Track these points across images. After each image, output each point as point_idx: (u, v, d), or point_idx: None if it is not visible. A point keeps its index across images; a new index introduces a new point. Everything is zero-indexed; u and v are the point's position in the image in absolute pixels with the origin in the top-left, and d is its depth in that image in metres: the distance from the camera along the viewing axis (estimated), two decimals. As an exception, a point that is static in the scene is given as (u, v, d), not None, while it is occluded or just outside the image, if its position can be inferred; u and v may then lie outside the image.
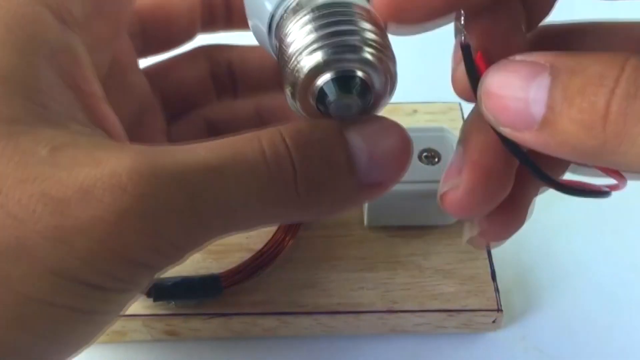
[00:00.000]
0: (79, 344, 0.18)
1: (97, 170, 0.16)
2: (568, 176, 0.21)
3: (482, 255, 0.31)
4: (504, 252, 0.32)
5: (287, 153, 0.18)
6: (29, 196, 0.15)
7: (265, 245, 0.30)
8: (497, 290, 0.29)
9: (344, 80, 0.18)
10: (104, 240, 0.16)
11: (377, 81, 0.19)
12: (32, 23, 0.17)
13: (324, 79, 0.18)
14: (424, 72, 0.36)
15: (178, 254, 0.17)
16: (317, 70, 0.18)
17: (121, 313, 0.18)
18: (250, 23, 0.22)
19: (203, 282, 0.29)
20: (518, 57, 0.16)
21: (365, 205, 0.31)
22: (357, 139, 0.19)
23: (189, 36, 0.28)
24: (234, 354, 0.30)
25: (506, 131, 0.16)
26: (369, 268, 0.30)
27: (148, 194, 0.16)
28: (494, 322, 0.29)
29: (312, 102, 0.19)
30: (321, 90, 0.19)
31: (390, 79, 0.19)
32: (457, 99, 0.21)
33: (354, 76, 0.18)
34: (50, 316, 0.16)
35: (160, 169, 0.16)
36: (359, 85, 0.19)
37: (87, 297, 0.16)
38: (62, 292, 0.16)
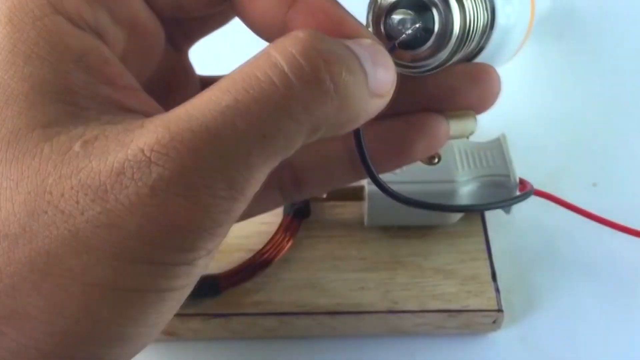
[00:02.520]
0: (156, 325, 0.18)
1: (123, 152, 0.17)
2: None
3: (483, 255, 0.31)
4: (504, 252, 0.32)
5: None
6: (69, 189, 0.16)
7: (264, 246, 0.30)
8: (497, 290, 0.29)
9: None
10: (148, 214, 0.16)
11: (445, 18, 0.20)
12: (54, 33, 0.18)
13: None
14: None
15: (231, 200, 0.17)
16: None
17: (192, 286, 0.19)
18: None
19: (201, 283, 0.28)
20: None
21: (365, 206, 0.31)
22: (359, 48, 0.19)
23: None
24: (234, 354, 0.30)
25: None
26: (369, 268, 0.30)
27: (172, 158, 0.16)
28: (494, 322, 0.29)
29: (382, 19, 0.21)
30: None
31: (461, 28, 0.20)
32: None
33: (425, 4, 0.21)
34: (121, 301, 0.17)
35: (175, 131, 0.17)
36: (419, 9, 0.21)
37: (152, 275, 0.17)
38: (126, 275, 0.17)
